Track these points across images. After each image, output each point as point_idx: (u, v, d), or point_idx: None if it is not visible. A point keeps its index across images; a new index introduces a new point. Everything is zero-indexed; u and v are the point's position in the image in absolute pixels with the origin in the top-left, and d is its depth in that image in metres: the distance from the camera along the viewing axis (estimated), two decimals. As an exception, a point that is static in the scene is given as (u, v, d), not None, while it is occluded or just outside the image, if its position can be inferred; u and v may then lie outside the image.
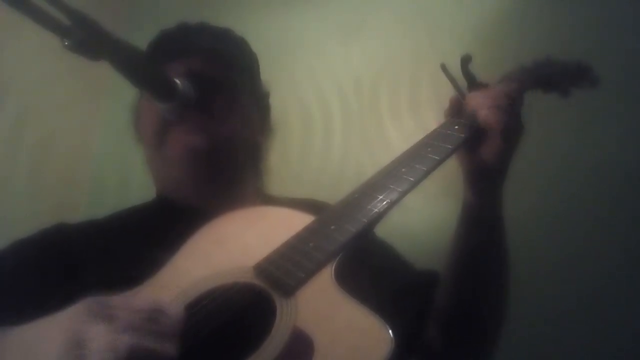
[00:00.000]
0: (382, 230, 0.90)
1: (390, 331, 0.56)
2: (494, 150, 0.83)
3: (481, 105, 0.85)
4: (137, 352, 0.50)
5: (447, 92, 0.96)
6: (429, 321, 0.93)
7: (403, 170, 0.78)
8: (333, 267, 0.66)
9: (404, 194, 0.74)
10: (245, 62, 1.06)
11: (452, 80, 0.92)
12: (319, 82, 1.73)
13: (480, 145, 0.85)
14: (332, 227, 0.71)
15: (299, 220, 0.75)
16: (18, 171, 1.68)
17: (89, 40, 0.74)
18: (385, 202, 0.73)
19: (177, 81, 0.87)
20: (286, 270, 0.66)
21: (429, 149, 0.81)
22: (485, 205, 0.88)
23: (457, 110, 0.90)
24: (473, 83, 0.94)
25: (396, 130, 1.62)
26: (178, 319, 0.57)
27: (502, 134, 0.82)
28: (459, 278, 0.92)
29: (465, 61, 0.93)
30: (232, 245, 0.75)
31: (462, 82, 0.94)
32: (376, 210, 0.72)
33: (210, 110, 0.94)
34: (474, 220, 0.89)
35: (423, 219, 1.44)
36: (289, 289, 0.64)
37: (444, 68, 0.91)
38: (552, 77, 0.93)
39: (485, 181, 0.87)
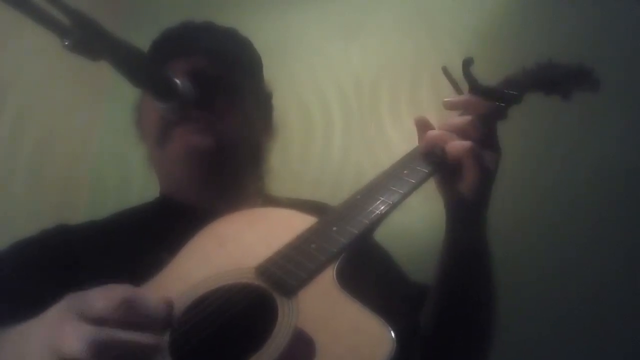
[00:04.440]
0: (382, 229, 0.89)
1: (392, 332, 0.56)
2: (469, 183, 0.78)
3: (445, 140, 0.79)
4: (110, 344, 0.50)
5: (447, 93, 0.96)
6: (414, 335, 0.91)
7: (405, 172, 0.78)
8: (335, 268, 0.66)
9: (405, 196, 0.74)
10: (249, 62, 1.06)
11: (454, 83, 0.91)
12: (319, 82, 1.73)
13: (456, 178, 0.80)
14: (334, 228, 0.71)
15: (300, 221, 0.75)
16: (18, 171, 1.67)
17: (88, 40, 0.74)
18: (386, 204, 0.73)
19: (177, 81, 0.87)
20: (288, 270, 0.66)
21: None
22: (468, 236, 0.85)
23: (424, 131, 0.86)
24: (475, 86, 0.93)
25: (396, 130, 1.62)
26: (155, 306, 0.56)
27: (474, 169, 0.77)
28: (440, 304, 0.89)
29: (467, 64, 0.92)
30: (234, 246, 0.75)
31: (464, 85, 0.94)
32: (378, 212, 0.72)
33: (213, 110, 0.94)
34: (456, 252, 0.86)
35: (423, 217, 1.44)
36: (290, 290, 0.64)
37: (445, 71, 0.91)
38: (553, 79, 0.92)
39: (466, 213, 0.83)
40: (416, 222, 1.45)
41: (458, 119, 0.84)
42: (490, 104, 0.84)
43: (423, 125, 0.85)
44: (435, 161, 0.79)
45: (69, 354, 0.49)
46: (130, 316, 0.53)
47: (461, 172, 0.79)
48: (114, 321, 0.52)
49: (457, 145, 0.78)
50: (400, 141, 1.59)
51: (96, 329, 0.50)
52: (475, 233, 0.85)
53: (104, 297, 0.54)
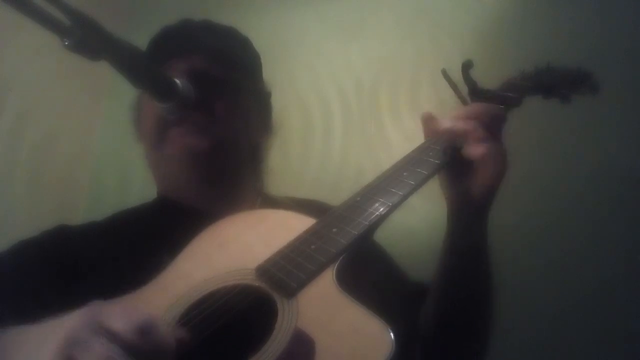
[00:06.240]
0: (383, 230, 0.89)
1: (391, 333, 0.56)
2: (483, 184, 0.79)
3: (465, 136, 0.80)
4: None
5: (447, 93, 0.96)
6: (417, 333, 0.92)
7: (404, 174, 0.78)
8: (334, 269, 0.66)
9: (405, 197, 0.74)
10: (248, 62, 1.06)
11: (453, 85, 0.91)
12: (319, 82, 1.73)
13: (467, 178, 0.81)
14: (334, 229, 0.71)
15: (300, 223, 0.75)
16: (18, 171, 1.67)
17: (88, 39, 0.74)
18: (386, 206, 0.73)
19: (177, 81, 0.87)
20: (288, 272, 0.66)
21: (430, 153, 0.81)
22: (470, 237, 0.85)
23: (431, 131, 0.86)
24: (474, 89, 0.94)
25: (396, 131, 1.62)
26: (168, 339, 0.56)
27: (488, 172, 0.78)
28: (441, 302, 0.90)
29: (466, 67, 0.92)
30: (234, 248, 0.75)
31: (463, 87, 0.93)
32: (377, 213, 0.72)
33: (212, 110, 0.94)
34: (458, 250, 0.86)
35: (423, 217, 1.44)
36: (290, 291, 0.64)
37: (444, 74, 0.91)
38: (552, 83, 0.92)
39: (472, 214, 0.84)
40: (417, 222, 1.45)
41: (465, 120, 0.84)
42: (494, 108, 0.85)
43: (429, 121, 0.85)
44: (443, 159, 0.80)
45: None
46: (142, 343, 0.53)
47: (472, 173, 0.79)
48: (126, 342, 0.52)
49: (476, 148, 0.79)
50: (400, 141, 1.59)
51: (110, 348, 0.51)
52: (478, 232, 0.86)
53: (124, 316, 0.54)
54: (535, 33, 1.46)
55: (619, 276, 1.28)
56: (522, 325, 1.23)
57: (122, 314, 0.54)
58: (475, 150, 0.79)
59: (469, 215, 0.84)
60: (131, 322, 0.53)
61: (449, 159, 0.79)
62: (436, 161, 0.79)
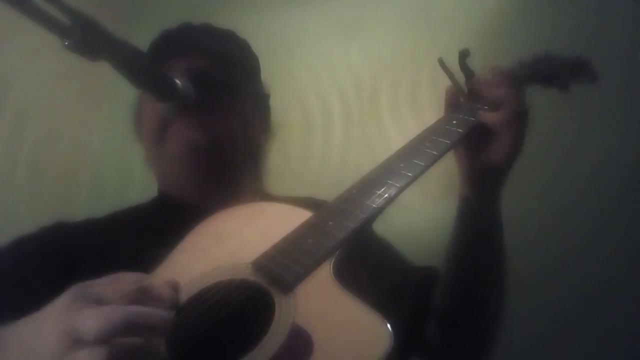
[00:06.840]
0: (382, 228, 0.90)
1: (389, 327, 0.56)
2: (504, 150, 0.82)
3: (494, 100, 0.84)
4: (131, 325, 0.49)
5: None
6: (428, 318, 0.93)
7: (401, 165, 0.77)
8: (332, 263, 0.66)
9: (402, 189, 0.74)
10: (247, 63, 1.07)
11: (450, 75, 0.91)
12: (319, 82, 1.73)
13: (487, 144, 0.83)
14: (331, 223, 0.71)
15: (298, 216, 0.74)
16: (18, 171, 1.68)
17: (88, 39, 0.74)
18: (383, 198, 0.72)
19: (177, 81, 0.87)
20: (285, 266, 0.66)
21: (427, 144, 0.81)
22: (484, 204, 0.88)
23: (454, 102, 0.91)
24: (471, 78, 0.94)
25: (396, 130, 1.62)
26: (164, 290, 0.56)
27: (516, 136, 0.82)
28: (456, 275, 0.91)
29: (463, 56, 0.92)
30: (231, 241, 0.75)
31: (460, 76, 0.94)
32: (374, 205, 0.72)
33: (211, 110, 0.94)
34: (473, 218, 0.88)
35: (422, 217, 1.44)
36: (287, 285, 0.64)
37: (441, 62, 0.90)
38: (550, 72, 0.92)
39: (489, 180, 0.86)
40: (416, 221, 1.46)
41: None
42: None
43: (454, 94, 0.89)
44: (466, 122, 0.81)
45: (86, 335, 0.48)
46: (141, 301, 0.53)
47: (492, 142, 0.82)
48: (129, 303, 0.52)
49: (497, 115, 0.82)
50: (400, 140, 1.58)
51: (113, 308, 0.50)
52: (491, 201, 0.88)
53: (115, 284, 0.54)
54: (535, 33, 1.46)
55: (619, 276, 1.28)
56: (522, 324, 1.23)
57: (110, 282, 0.54)
58: (495, 116, 0.82)
59: (486, 182, 0.86)
60: (123, 286, 0.53)
61: (432, 159, 0.79)
62: (433, 152, 0.79)
